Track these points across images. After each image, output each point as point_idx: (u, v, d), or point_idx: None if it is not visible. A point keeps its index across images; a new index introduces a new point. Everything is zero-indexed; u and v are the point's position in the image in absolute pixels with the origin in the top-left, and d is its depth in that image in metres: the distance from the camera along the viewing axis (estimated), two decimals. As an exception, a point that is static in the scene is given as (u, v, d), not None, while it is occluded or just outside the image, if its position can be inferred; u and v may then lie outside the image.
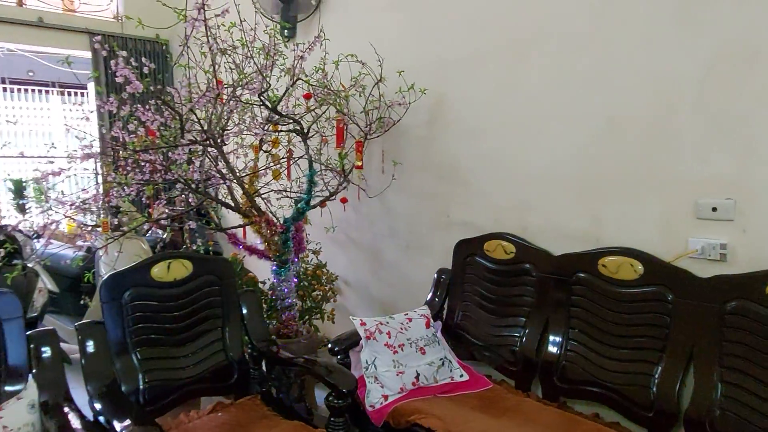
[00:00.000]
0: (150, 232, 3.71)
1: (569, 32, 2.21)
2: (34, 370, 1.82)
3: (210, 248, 3.16)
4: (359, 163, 2.63)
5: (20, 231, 2.97)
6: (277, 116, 2.44)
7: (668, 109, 1.96)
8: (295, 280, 2.74)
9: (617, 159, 2.12)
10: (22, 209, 5.83)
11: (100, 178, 3.89)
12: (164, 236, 3.77)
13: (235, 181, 2.47)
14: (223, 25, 2.31)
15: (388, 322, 2.32)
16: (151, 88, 2.06)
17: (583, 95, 2.19)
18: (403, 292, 3.04)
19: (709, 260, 1.89)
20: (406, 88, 2.61)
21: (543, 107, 2.31)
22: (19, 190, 6.01)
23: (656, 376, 1.91)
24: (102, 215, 2.52)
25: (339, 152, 2.66)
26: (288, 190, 2.85)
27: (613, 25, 2.08)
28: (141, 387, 2.00)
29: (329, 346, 2.30)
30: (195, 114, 2.17)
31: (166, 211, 2.90)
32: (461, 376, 2.33)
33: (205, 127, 2.21)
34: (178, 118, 2.12)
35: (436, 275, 2.71)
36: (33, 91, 7.94)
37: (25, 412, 1.71)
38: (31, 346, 1.85)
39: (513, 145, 2.43)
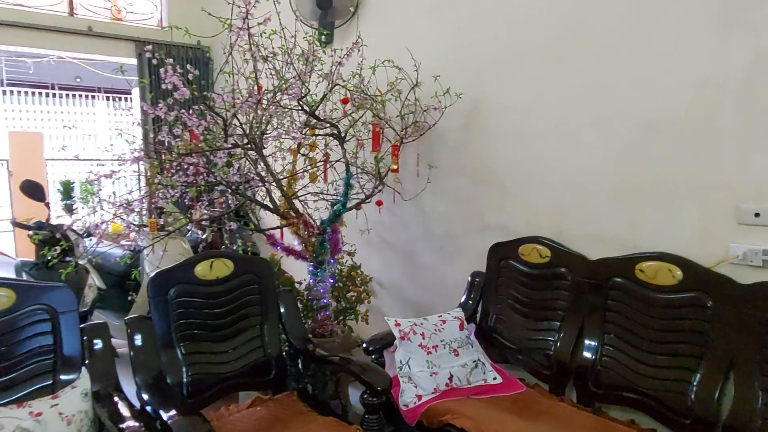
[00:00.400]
0: (190, 232, 3.84)
1: (607, 35, 2.20)
2: (87, 361, 1.93)
3: (248, 249, 3.26)
4: (395, 167, 2.67)
5: (73, 230, 3.12)
6: (315, 120, 2.50)
7: (709, 112, 1.94)
8: (331, 280, 2.80)
9: (655, 163, 2.10)
10: (69, 209, 6.10)
11: (143, 180, 4.05)
12: (204, 236, 3.89)
13: (274, 183, 2.55)
14: (265, 33, 2.39)
15: (422, 324, 2.36)
16: (196, 93, 2.15)
17: (621, 98, 2.18)
18: (438, 294, 3.06)
19: (751, 266, 1.86)
20: (442, 92, 2.65)
21: (580, 111, 2.31)
22: (67, 191, 6.29)
23: (695, 383, 1.89)
24: (148, 216, 2.63)
25: (375, 156, 2.71)
26: (325, 192, 2.91)
27: (653, 27, 2.07)
28: (185, 379, 2.08)
29: (364, 345, 2.35)
30: (237, 119, 2.25)
31: (206, 212, 3.01)
32: (494, 378, 2.34)
33: (247, 131, 2.29)
34: (221, 122, 2.20)
35: (470, 278, 2.73)
36: (80, 96, 8.30)
37: (79, 400, 1.81)
38: (85, 338, 1.96)
39: (550, 149, 2.43)
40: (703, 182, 1.97)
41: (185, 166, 2.49)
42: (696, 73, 1.96)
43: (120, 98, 8.38)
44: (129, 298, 2.72)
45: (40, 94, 7.75)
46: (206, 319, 2.21)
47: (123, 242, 3.96)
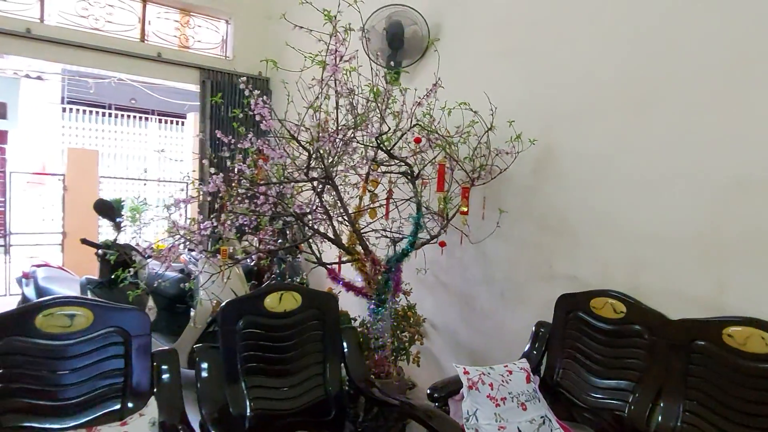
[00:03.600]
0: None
1: (696, 86, 2.15)
2: (155, 389, 1.90)
3: (305, 281, 3.25)
4: (465, 209, 2.63)
5: (137, 251, 3.16)
6: (386, 157, 2.50)
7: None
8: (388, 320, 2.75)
9: (747, 222, 2.02)
10: (118, 227, 6.24)
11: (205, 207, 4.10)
12: (252, 264, 3.90)
13: (341, 217, 2.54)
14: (345, 70, 2.42)
15: (489, 373, 2.27)
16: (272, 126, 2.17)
17: (710, 154, 2.11)
18: (495, 341, 2.98)
19: None
20: (514, 136, 2.62)
21: (663, 164, 2.25)
22: (117, 209, 6.43)
23: (793, 463, 1.75)
24: (220, 242, 2.63)
25: (443, 196, 2.68)
26: (387, 229, 2.89)
27: (747, 82, 2.01)
28: (248, 414, 2.04)
29: (428, 391, 2.27)
30: (319, 152, 2.26)
31: (269, 240, 3.00)
32: (562, 437, 2.23)
33: (326, 164, 2.29)
34: (307, 154, 2.21)
35: (534, 328, 2.64)
36: (134, 117, 8.59)
37: (147, 429, 1.78)
38: (155, 364, 1.94)
39: (628, 201, 2.37)
40: (803, 247, 1.88)
41: (257, 195, 2.50)
42: (797, 133, 1.89)
43: (174, 122, 8.61)
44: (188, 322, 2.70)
45: (96, 113, 8.03)
46: (271, 352, 2.17)
47: (174, 265, 4.01)
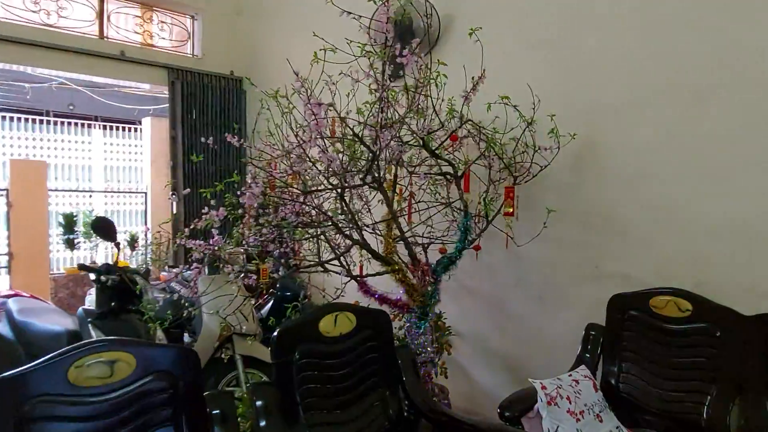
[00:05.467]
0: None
1: (760, 76, 2.08)
2: (212, 439, 1.61)
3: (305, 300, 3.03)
4: (510, 210, 2.46)
5: (140, 273, 2.77)
6: (434, 159, 2.30)
7: None
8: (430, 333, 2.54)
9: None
10: (71, 244, 5.66)
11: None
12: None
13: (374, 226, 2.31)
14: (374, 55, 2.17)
15: (560, 386, 2.12)
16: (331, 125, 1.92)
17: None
18: (533, 348, 2.83)
19: None
20: (552, 131, 2.47)
21: (728, 153, 2.17)
22: (69, 224, 5.85)
23: None
24: (260, 261, 2.33)
25: (483, 197, 2.51)
26: (433, 236, 2.68)
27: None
28: (314, 458, 1.78)
29: (499, 410, 2.08)
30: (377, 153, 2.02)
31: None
32: (636, 446, 2.11)
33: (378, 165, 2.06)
34: (369, 155, 1.96)
35: (585, 331, 2.51)
36: (75, 124, 7.84)
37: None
38: (208, 409, 1.64)
39: (686, 194, 2.28)
40: None
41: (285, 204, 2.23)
42: None
43: (124, 128, 7.93)
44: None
45: (33, 120, 7.28)
46: (330, 383, 1.92)
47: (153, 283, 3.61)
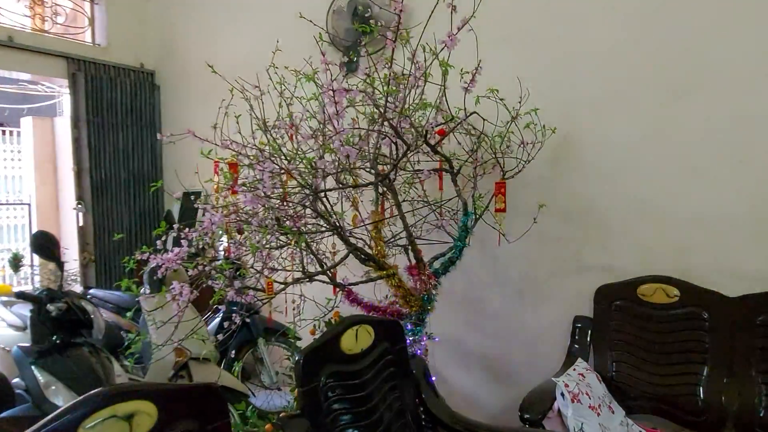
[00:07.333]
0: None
1: (737, 69, 2.20)
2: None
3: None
4: (501, 205, 2.40)
5: (87, 299, 2.28)
6: (434, 153, 2.17)
7: None
8: (425, 339, 2.40)
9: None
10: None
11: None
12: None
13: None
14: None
15: (578, 382, 2.09)
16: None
17: (762, 136, 2.17)
18: (513, 344, 2.81)
19: None
20: (528, 126, 2.45)
21: (705, 147, 2.28)
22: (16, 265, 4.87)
23: None
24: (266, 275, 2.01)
25: (474, 195, 2.42)
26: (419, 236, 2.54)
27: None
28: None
29: (519, 413, 2.00)
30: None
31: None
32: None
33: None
34: (404, 147, 1.77)
35: (573, 324, 2.53)
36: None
37: None
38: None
39: (668, 186, 2.37)
40: None
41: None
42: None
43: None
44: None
45: None
46: (357, 405, 1.70)
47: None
